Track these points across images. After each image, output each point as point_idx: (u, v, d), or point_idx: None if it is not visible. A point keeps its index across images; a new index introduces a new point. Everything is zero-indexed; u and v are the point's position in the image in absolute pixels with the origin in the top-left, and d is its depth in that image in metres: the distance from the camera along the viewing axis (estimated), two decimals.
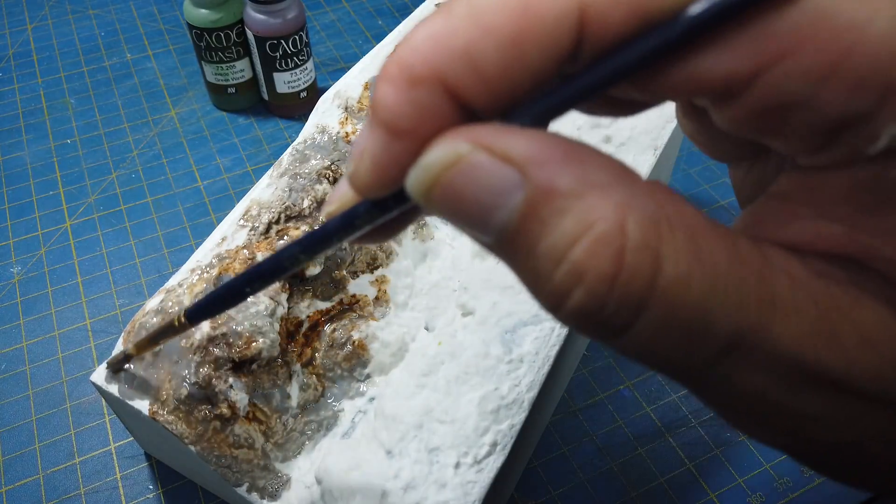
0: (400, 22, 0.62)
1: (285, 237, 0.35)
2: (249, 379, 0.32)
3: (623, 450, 0.41)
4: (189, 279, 0.34)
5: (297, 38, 0.56)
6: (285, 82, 0.58)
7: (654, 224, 0.12)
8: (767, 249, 0.13)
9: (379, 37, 0.69)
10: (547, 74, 0.13)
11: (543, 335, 0.32)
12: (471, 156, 0.13)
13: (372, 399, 0.35)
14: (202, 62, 0.59)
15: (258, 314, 0.33)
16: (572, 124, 0.41)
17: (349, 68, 0.45)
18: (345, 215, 0.16)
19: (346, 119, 0.40)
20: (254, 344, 0.32)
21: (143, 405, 0.31)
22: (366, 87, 0.43)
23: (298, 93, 0.59)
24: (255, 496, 0.32)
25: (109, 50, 0.68)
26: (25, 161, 0.57)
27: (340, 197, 0.16)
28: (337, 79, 0.44)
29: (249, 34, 0.56)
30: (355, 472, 0.29)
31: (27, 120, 0.61)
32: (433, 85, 0.13)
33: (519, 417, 0.30)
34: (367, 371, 0.36)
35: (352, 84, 0.43)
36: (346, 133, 0.40)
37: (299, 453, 0.34)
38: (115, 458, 0.41)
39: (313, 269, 0.36)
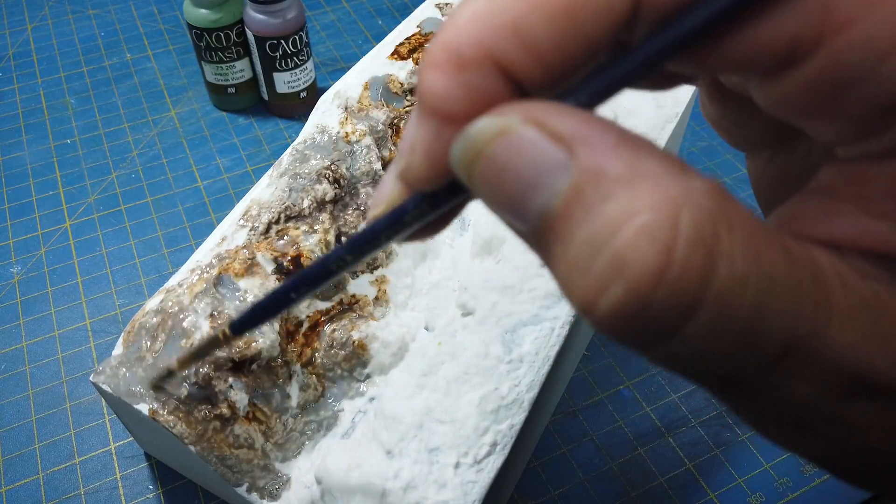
0: (400, 22, 0.62)
1: (285, 237, 0.35)
2: (249, 379, 0.32)
3: (623, 450, 0.41)
4: (189, 279, 0.34)
5: (296, 38, 0.56)
6: (285, 82, 0.58)
7: (711, 221, 0.11)
8: (813, 249, 0.12)
9: (379, 37, 0.69)
10: (602, 46, 0.12)
11: (543, 335, 0.32)
12: (519, 128, 0.12)
13: (372, 399, 0.35)
14: (202, 62, 0.59)
15: None
16: None
17: (349, 68, 0.45)
18: (393, 214, 0.16)
19: (346, 119, 0.40)
20: (254, 344, 0.32)
21: (142, 405, 0.31)
22: (366, 87, 0.43)
23: (298, 93, 0.59)
24: (254, 496, 0.32)
25: (109, 50, 0.68)
26: (25, 161, 0.57)
27: (387, 196, 0.16)
28: (337, 79, 0.44)
29: (249, 34, 0.56)
30: (355, 471, 0.29)
31: (27, 120, 0.61)
32: (483, 65, 0.12)
33: (519, 417, 0.30)
34: (366, 371, 0.36)
35: (352, 84, 0.43)
36: (346, 133, 0.40)
37: (299, 453, 0.34)
38: (115, 458, 0.41)
39: None
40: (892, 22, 0.11)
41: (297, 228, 0.36)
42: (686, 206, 0.11)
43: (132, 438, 0.41)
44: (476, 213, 0.43)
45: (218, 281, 0.33)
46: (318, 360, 0.35)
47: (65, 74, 0.65)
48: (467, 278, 0.36)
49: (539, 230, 0.12)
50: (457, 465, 0.29)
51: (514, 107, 0.12)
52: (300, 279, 0.20)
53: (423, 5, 0.49)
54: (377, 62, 0.44)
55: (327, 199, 0.37)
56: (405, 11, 0.72)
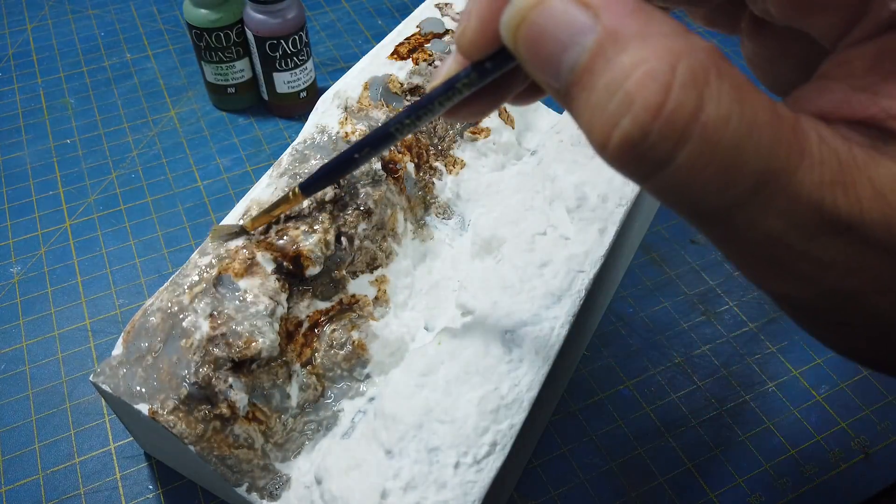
0: (400, 22, 0.62)
1: (285, 237, 0.35)
2: (249, 379, 0.32)
3: (623, 450, 0.41)
4: (189, 278, 0.34)
5: (296, 38, 0.56)
6: (285, 82, 0.58)
7: (704, 70, 0.13)
8: (801, 115, 0.15)
9: (379, 37, 0.69)
10: None
11: (543, 335, 0.32)
12: None
13: (371, 399, 0.35)
14: (202, 62, 0.59)
15: (258, 314, 0.33)
16: (572, 124, 0.41)
17: (349, 68, 0.45)
18: (447, 82, 0.19)
19: (346, 119, 0.40)
20: (253, 344, 0.32)
21: (142, 405, 0.31)
22: (365, 87, 0.43)
23: (298, 93, 0.59)
24: (254, 496, 0.32)
25: (109, 50, 0.68)
26: (25, 161, 0.57)
27: (444, 71, 0.19)
28: (337, 79, 0.44)
29: (249, 34, 0.56)
30: (355, 471, 0.29)
31: (27, 120, 0.61)
32: None
33: (519, 417, 0.30)
34: (366, 371, 0.36)
35: (352, 84, 0.43)
36: (346, 133, 0.40)
37: (299, 453, 0.34)
38: (114, 458, 0.41)
39: (313, 269, 0.36)
40: None
41: (297, 228, 0.36)
42: (684, 57, 0.13)
43: (132, 438, 0.41)
44: (476, 213, 0.43)
45: (217, 281, 0.33)
46: (318, 360, 0.35)
47: (64, 74, 0.65)
48: (467, 278, 0.36)
49: (569, 84, 0.15)
50: (456, 465, 0.29)
51: None
52: (363, 141, 0.22)
53: (423, 5, 0.49)
54: (377, 62, 0.44)
55: (327, 198, 0.37)
56: (405, 11, 0.72)
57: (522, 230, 0.36)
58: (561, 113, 0.48)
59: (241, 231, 0.35)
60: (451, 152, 0.45)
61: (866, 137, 0.15)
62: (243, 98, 0.61)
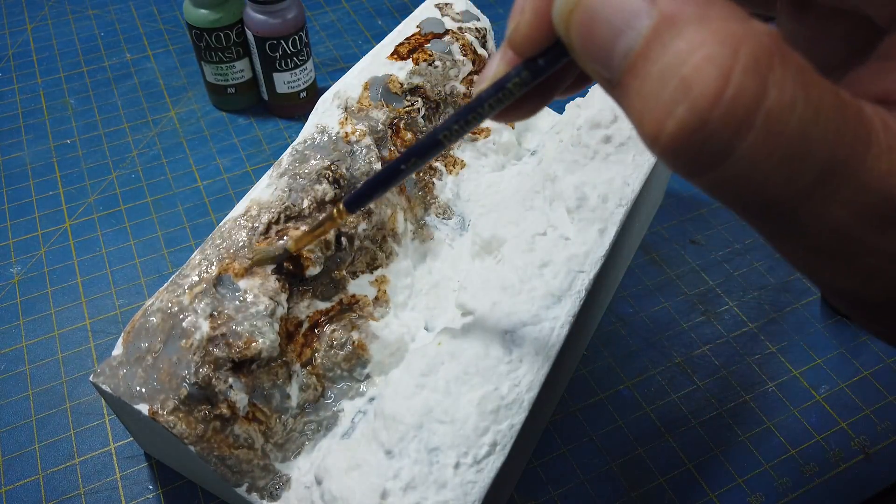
0: (400, 22, 0.62)
1: (285, 237, 0.35)
2: (249, 379, 0.32)
3: (623, 450, 0.41)
4: (189, 279, 0.34)
5: (296, 38, 0.56)
6: (285, 82, 0.58)
7: (767, 54, 0.13)
8: (863, 100, 0.14)
9: (379, 37, 0.69)
10: None
11: (543, 335, 0.32)
12: None
13: (371, 399, 0.35)
14: (202, 62, 0.59)
15: (258, 314, 0.33)
16: (572, 124, 0.41)
17: (349, 68, 0.45)
18: (497, 83, 0.18)
19: (346, 119, 0.40)
20: (253, 344, 0.32)
21: (143, 406, 0.31)
22: (365, 87, 0.43)
23: (298, 93, 0.59)
24: (255, 496, 0.32)
25: (109, 50, 0.68)
26: (25, 161, 0.57)
27: (492, 72, 0.18)
28: (337, 79, 0.44)
29: (249, 34, 0.56)
30: (355, 472, 0.29)
31: (27, 120, 0.61)
32: None
33: (519, 417, 0.30)
34: (366, 371, 0.36)
35: (352, 84, 0.43)
36: (346, 133, 0.40)
37: (299, 453, 0.34)
38: (114, 458, 0.41)
39: (313, 270, 0.36)
40: None
41: (297, 228, 0.36)
42: (746, 41, 0.13)
43: (132, 438, 0.41)
44: (476, 214, 0.43)
45: (218, 281, 0.33)
46: (318, 361, 0.35)
47: (65, 74, 0.65)
48: (467, 278, 0.36)
49: (622, 72, 0.14)
50: (457, 466, 0.29)
51: None
52: (411, 151, 0.21)
53: (423, 5, 0.49)
54: (377, 62, 0.44)
55: (327, 199, 0.37)
56: (405, 11, 0.72)
57: (522, 230, 0.36)
58: (561, 113, 0.48)
59: (284, 254, 0.34)
60: (451, 152, 0.45)
61: None
62: (243, 98, 0.61)
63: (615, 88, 0.15)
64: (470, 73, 0.46)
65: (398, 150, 0.41)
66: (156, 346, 0.32)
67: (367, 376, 0.36)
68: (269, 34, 0.55)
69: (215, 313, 0.32)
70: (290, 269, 0.35)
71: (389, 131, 0.42)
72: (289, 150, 0.40)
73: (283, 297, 0.34)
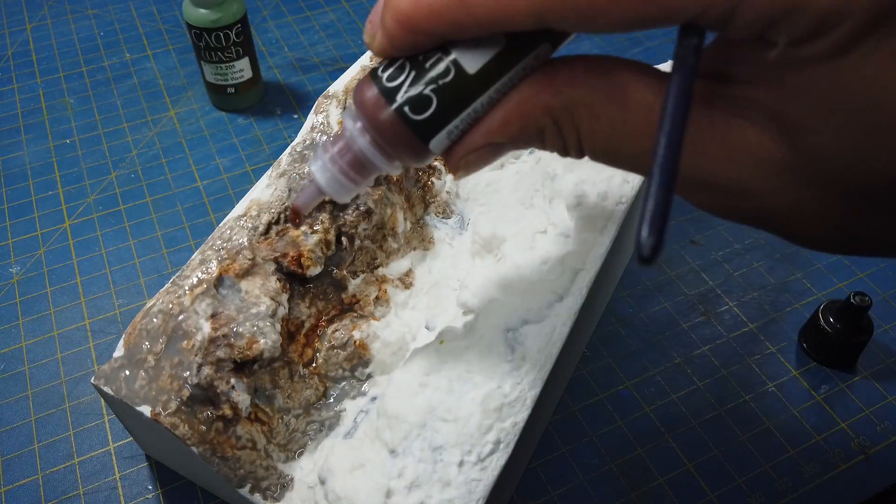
0: None
1: (285, 237, 0.35)
2: (251, 380, 0.32)
3: (623, 450, 0.41)
4: (190, 280, 0.34)
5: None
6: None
7: None
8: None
9: None
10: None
11: (545, 333, 0.32)
12: None
13: (374, 399, 0.35)
14: (201, 62, 0.59)
15: (259, 315, 0.33)
16: None
17: (349, 68, 0.45)
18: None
19: None
20: (255, 345, 0.32)
21: (144, 407, 0.31)
22: None
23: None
24: (258, 497, 0.32)
25: (108, 50, 0.68)
26: (25, 161, 0.57)
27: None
28: (337, 79, 0.44)
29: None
30: (359, 471, 0.29)
31: (26, 120, 0.61)
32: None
33: (522, 415, 0.30)
34: (368, 371, 0.36)
35: (351, 84, 0.43)
36: None
37: (302, 454, 0.34)
38: (114, 458, 0.41)
39: (314, 270, 0.36)
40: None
41: (297, 229, 0.36)
42: None
43: (131, 439, 0.41)
44: (475, 213, 0.43)
45: (219, 282, 0.33)
46: (320, 361, 0.35)
47: (64, 74, 0.65)
48: (468, 277, 0.36)
49: None
50: (461, 464, 0.29)
51: None
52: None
53: None
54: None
55: (327, 199, 0.37)
56: None
57: (522, 229, 0.36)
58: None
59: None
60: None
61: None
62: (243, 98, 0.61)
63: None
64: None
65: None
66: (157, 347, 0.32)
67: (369, 376, 0.36)
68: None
69: (216, 314, 0.32)
70: (290, 270, 0.35)
71: None
72: (288, 150, 0.40)
73: (285, 297, 0.34)
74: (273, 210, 0.36)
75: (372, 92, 0.22)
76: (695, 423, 0.42)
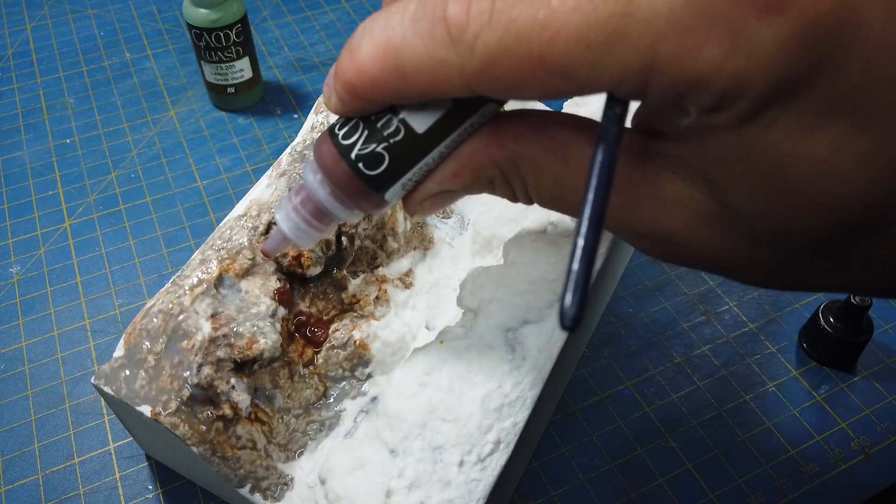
0: None
1: None
2: (251, 380, 0.32)
3: (623, 450, 0.41)
4: (190, 279, 0.34)
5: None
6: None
7: None
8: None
9: None
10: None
11: (546, 332, 0.32)
12: None
13: (374, 398, 0.35)
14: (201, 62, 0.59)
15: (259, 314, 0.33)
16: None
17: None
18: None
19: None
20: (255, 345, 0.32)
21: (145, 407, 0.31)
22: None
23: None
24: (258, 497, 0.32)
25: (109, 50, 0.68)
26: (24, 161, 0.57)
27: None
28: None
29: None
30: (359, 471, 0.29)
31: (26, 120, 0.61)
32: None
33: (522, 415, 0.30)
34: (368, 370, 0.36)
35: None
36: None
37: (302, 454, 0.34)
38: (114, 458, 0.41)
39: (314, 269, 0.36)
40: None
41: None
42: None
43: (131, 438, 0.41)
44: (475, 212, 0.43)
45: (219, 282, 0.33)
46: (320, 360, 0.35)
47: (64, 74, 0.65)
48: (468, 277, 0.36)
49: None
50: (461, 464, 0.29)
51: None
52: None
53: None
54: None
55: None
56: None
57: (523, 228, 0.36)
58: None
59: None
60: None
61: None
62: (243, 98, 0.61)
63: None
64: None
65: None
66: (157, 347, 0.32)
67: (369, 376, 0.36)
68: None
69: (216, 314, 0.32)
70: (290, 270, 0.35)
71: None
72: (288, 150, 0.40)
73: (284, 297, 0.34)
74: (273, 210, 0.36)
75: (329, 148, 0.24)
76: (695, 423, 0.42)
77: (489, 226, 0.38)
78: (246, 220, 0.36)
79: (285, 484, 0.32)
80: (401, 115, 0.22)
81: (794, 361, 0.45)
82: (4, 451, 0.41)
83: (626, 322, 0.47)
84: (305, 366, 0.35)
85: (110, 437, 0.41)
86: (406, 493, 0.28)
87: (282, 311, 0.34)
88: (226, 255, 0.34)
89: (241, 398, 0.31)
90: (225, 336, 0.32)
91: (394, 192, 0.24)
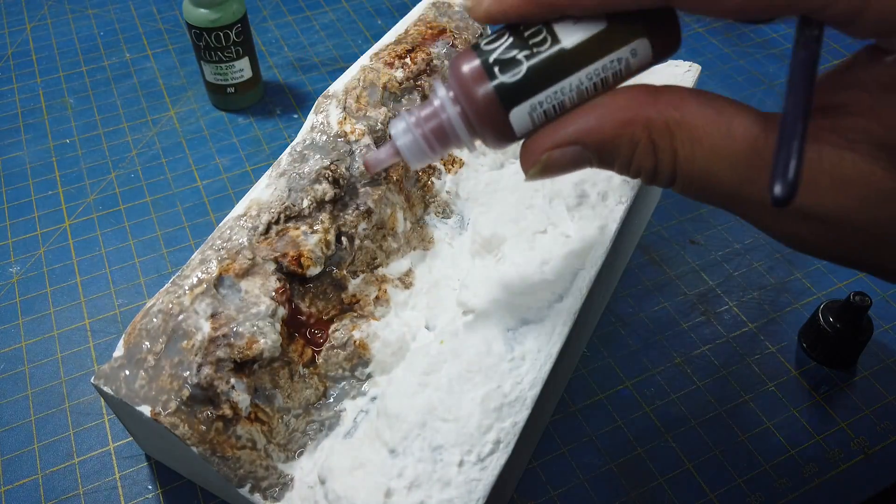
0: (399, 21, 0.62)
1: (285, 237, 0.35)
2: (251, 380, 0.32)
3: (623, 450, 0.41)
4: (190, 279, 0.34)
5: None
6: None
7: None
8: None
9: (378, 36, 0.69)
10: None
11: (545, 332, 0.32)
12: None
13: (374, 398, 0.35)
14: (201, 62, 0.59)
15: (259, 314, 0.33)
16: None
17: (349, 68, 0.45)
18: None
19: (345, 119, 0.40)
20: (255, 344, 0.32)
21: (144, 407, 0.31)
22: (364, 87, 0.43)
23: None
24: (257, 497, 0.32)
25: (108, 50, 0.68)
26: (24, 161, 0.57)
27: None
28: (336, 79, 0.44)
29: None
30: (359, 471, 0.29)
31: (26, 120, 0.61)
32: None
33: (522, 415, 0.30)
34: (368, 370, 0.36)
35: (350, 84, 0.43)
36: (345, 133, 0.40)
37: (302, 453, 0.34)
38: (114, 458, 0.41)
39: (313, 269, 0.35)
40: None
41: (297, 228, 0.36)
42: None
43: (131, 438, 0.41)
44: (475, 212, 0.43)
45: (218, 282, 0.33)
46: (320, 360, 0.35)
47: (64, 74, 0.65)
48: (468, 277, 0.36)
49: None
50: (461, 464, 0.29)
51: None
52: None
53: (420, 3, 0.49)
54: (375, 61, 0.44)
55: (327, 198, 0.37)
56: (405, 10, 0.72)
57: (522, 228, 0.36)
58: None
59: None
60: None
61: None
62: (243, 98, 0.61)
63: None
64: None
65: None
66: (157, 347, 0.32)
67: (369, 376, 0.36)
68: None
69: (216, 314, 0.32)
70: (290, 270, 0.35)
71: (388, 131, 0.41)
72: (288, 149, 0.40)
73: (284, 297, 0.34)
74: (273, 210, 0.36)
75: (467, 53, 0.23)
76: (695, 423, 0.42)
77: (489, 226, 0.38)
78: (246, 220, 0.36)
79: (285, 484, 0.32)
80: (552, 27, 0.22)
81: (794, 361, 0.45)
82: (4, 451, 0.41)
83: (626, 322, 0.47)
84: (305, 366, 0.35)
85: (110, 437, 0.41)
86: (406, 493, 0.28)
87: (281, 312, 0.34)
88: (226, 255, 0.34)
89: (241, 398, 0.31)
90: (225, 336, 0.32)
91: (521, 117, 0.23)
